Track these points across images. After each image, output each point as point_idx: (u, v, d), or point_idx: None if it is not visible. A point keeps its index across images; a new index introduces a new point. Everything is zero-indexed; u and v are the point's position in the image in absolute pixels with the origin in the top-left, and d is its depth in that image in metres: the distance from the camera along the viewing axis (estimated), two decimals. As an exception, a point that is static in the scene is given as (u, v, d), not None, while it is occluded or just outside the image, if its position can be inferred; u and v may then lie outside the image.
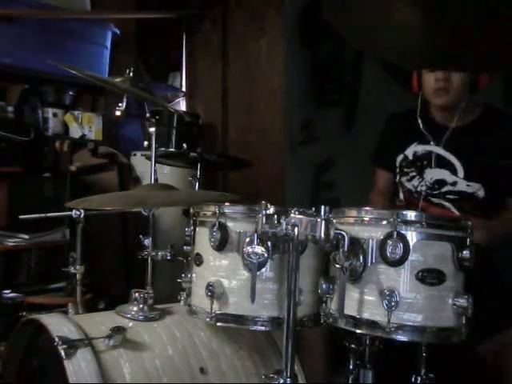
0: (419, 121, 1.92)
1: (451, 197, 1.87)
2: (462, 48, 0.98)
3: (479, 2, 0.89)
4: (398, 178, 1.99)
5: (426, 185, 1.90)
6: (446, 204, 1.89)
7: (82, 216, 1.77)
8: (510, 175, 1.83)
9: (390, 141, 2.04)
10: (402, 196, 1.99)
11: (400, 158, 1.97)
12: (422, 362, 1.36)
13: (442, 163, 1.88)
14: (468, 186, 1.85)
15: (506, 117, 1.98)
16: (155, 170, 1.79)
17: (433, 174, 1.90)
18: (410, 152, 1.95)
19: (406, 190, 1.96)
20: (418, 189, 1.91)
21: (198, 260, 1.36)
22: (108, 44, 3.25)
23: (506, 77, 2.28)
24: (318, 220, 1.11)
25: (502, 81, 2.32)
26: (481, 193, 1.85)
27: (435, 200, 1.89)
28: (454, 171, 1.86)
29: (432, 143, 1.91)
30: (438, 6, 0.92)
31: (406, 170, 1.96)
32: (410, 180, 1.94)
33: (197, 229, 1.41)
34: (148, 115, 1.79)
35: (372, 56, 2.82)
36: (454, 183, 1.86)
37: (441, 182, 1.89)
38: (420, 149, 1.93)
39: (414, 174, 1.94)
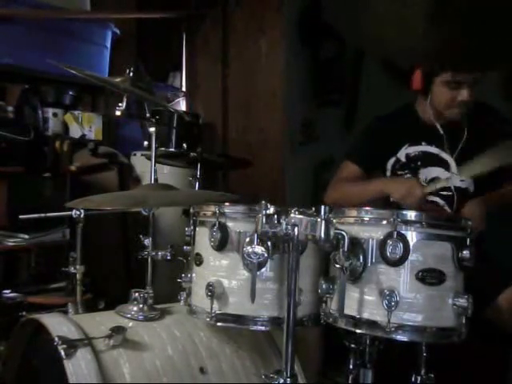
0: (420, 121, 1.93)
1: (445, 193, 1.90)
2: (470, 48, 0.98)
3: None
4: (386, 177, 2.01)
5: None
6: (440, 202, 1.92)
7: (81, 216, 1.77)
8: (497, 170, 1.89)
9: (377, 144, 2.02)
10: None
11: (392, 161, 1.99)
12: (422, 362, 1.36)
13: (436, 161, 1.91)
14: (461, 181, 1.90)
15: (492, 109, 2.01)
16: (155, 170, 1.78)
17: (427, 173, 1.92)
18: (402, 154, 1.97)
19: None
20: None
21: (198, 260, 1.36)
22: (108, 44, 3.25)
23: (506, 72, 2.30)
24: (318, 220, 1.11)
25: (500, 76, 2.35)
26: (471, 187, 1.91)
27: (430, 198, 1.91)
28: (447, 168, 1.91)
29: (423, 143, 1.93)
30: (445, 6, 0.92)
31: (399, 172, 1.98)
32: None
33: (197, 229, 1.41)
34: (148, 115, 1.79)
35: (372, 55, 2.83)
36: (448, 179, 1.89)
37: (435, 180, 1.91)
38: (412, 150, 1.96)
39: (408, 175, 1.96)
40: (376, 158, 2.01)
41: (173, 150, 2.56)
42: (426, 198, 1.88)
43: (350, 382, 1.40)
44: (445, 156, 1.92)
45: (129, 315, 1.49)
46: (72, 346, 1.26)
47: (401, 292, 1.16)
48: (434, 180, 1.91)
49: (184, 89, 3.98)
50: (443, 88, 1.82)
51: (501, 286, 1.71)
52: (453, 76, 1.76)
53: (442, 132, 1.90)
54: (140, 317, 1.49)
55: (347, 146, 2.23)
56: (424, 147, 1.94)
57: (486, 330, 1.56)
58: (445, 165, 1.91)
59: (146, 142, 1.93)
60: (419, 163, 1.95)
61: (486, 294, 1.64)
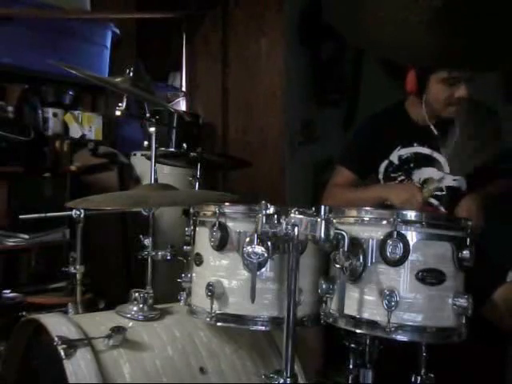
0: (411, 122, 1.93)
1: (439, 193, 1.90)
2: (470, 47, 0.98)
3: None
4: (382, 183, 2.01)
5: None
6: (434, 202, 1.93)
7: (82, 216, 1.77)
8: (489, 168, 1.87)
9: (370, 149, 2.01)
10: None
11: (384, 164, 1.99)
12: (422, 362, 1.36)
13: (428, 162, 1.91)
14: (454, 180, 1.91)
15: (485, 108, 2.00)
16: (155, 170, 1.79)
17: (421, 174, 1.92)
18: (394, 157, 1.97)
19: None
20: None
21: (198, 260, 1.36)
22: (108, 44, 3.25)
23: (507, 73, 2.30)
24: (318, 220, 1.11)
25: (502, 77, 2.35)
26: (463, 186, 1.92)
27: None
28: (440, 167, 1.90)
29: (415, 144, 1.93)
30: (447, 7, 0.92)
31: (392, 175, 1.98)
32: None
33: (197, 229, 1.41)
34: (148, 115, 1.79)
35: (372, 54, 2.83)
36: (441, 179, 1.89)
37: (428, 182, 1.91)
38: (404, 152, 1.96)
39: (402, 177, 1.96)
40: (369, 163, 2.01)
41: (173, 149, 2.57)
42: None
43: (350, 382, 1.40)
44: (437, 156, 1.92)
45: (129, 315, 1.49)
46: (72, 346, 1.26)
47: (401, 292, 1.15)
48: (427, 181, 1.91)
49: (184, 89, 3.98)
50: (440, 86, 1.81)
51: (495, 283, 1.71)
52: (449, 72, 1.75)
53: (436, 132, 1.89)
54: (140, 317, 1.49)
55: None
56: (416, 148, 1.94)
57: (483, 329, 1.56)
58: (437, 165, 1.91)
59: (146, 142, 1.93)
60: (412, 165, 1.95)
61: (482, 291, 1.65)
